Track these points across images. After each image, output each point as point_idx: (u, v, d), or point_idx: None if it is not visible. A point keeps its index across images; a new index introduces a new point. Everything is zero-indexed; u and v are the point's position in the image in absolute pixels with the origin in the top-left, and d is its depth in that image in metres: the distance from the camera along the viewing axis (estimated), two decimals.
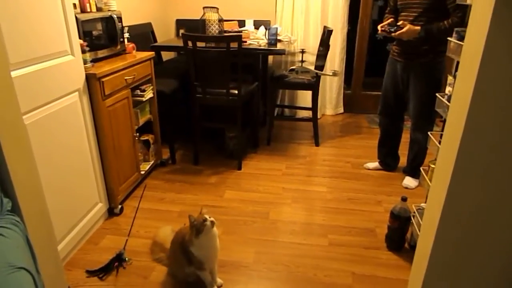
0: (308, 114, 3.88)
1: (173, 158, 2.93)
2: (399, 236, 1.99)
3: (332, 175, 2.76)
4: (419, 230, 1.68)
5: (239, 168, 2.83)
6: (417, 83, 2.38)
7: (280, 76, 3.23)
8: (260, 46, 2.98)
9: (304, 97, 3.89)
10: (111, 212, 2.25)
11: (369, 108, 4.06)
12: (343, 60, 3.85)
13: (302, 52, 2.64)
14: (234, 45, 2.49)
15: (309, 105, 3.40)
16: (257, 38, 3.20)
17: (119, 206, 2.27)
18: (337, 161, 2.99)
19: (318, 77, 3.09)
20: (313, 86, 3.11)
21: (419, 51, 2.31)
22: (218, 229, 2.06)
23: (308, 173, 2.80)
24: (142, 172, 2.55)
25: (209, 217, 1.60)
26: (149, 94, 2.51)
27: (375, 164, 2.86)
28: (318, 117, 3.75)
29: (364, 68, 4.01)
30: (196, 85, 2.70)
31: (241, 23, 3.61)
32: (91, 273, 1.81)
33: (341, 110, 4.09)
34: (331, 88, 3.96)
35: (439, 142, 1.67)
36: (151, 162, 2.69)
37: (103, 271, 1.82)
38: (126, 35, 2.43)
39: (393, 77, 2.51)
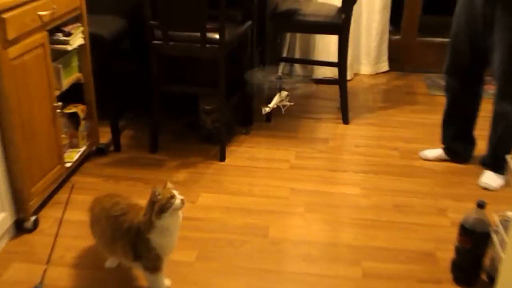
0: (332, 73, 3.87)
1: (117, 143, 2.94)
2: (472, 262, 2.02)
3: (369, 169, 2.79)
4: (504, 253, 1.71)
5: (222, 159, 2.85)
6: (506, 24, 2.39)
7: (287, 12, 3.22)
8: None
9: (326, 46, 3.88)
10: (20, 227, 2.26)
11: (429, 64, 4.06)
12: None
13: (280, 78, 2.93)
14: None
15: (334, 58, 3.39)
16: None
17: (32, 218, 2.28)
18: (378, 148, 3.02)
19: (347, 15, 3.08)
20: (340, 27, 3.10)
21: None
22: (191, 252, 2.12)
23: (332, 166, 2.83)
24: (68, 165, 2.56)
25: (178, 194, 1.83)
26: (78, 40, 2.50)
27: (438, 152, 2.89)
28: (348, 78, 3.72)
29: (421, 1, 4.00)
30: (153, 26, 2.69)
31: None
32: None
33: (385, 67, 4.10)
34: (369, 32, 3.95)
35: None
36: (82, 149, 2.70)
37: None
38: None
39: (469, 16, 2.52)
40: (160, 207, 1.79)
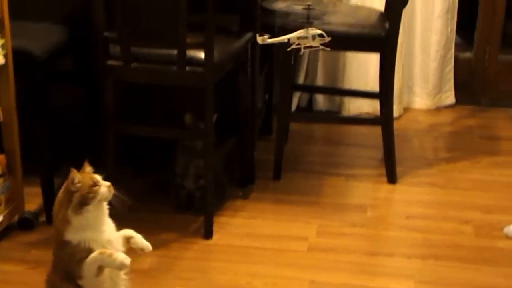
0: (371, 108, 3.89)
1: (50, 211, 2.81)
2: None
3: (427, 253, 2.77)
4: None
5: (208, 235, 2.84)
6: None
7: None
8: None
9: (363, 69, 3.94)
10: None
11: None
12: None
13: (309, 8, 2.80)
14: None
15: (375, 87, 3.41)
16: None
17: None
18: (441, 220, 3.00)
19: (394, 24, 3.10)
20: (384, 41, 3.13)
21: None
22: None
23: (372, 247, 2.82)
24: None
25: (101, 179, 1.99)
26: None
27: None
28: (396, 115, 3.76)
29: (504, 4, 4.04)
30: (109, 40, 2.72)
31: None
32: None
33: (451, 98, 4.15)
34: (426, 47, 4.01)
35: None
36: None
37: None
38: None
39: None
40: (81, 198, 1.91)
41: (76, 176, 1.91)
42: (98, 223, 1.99)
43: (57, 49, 2.85)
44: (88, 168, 1.99)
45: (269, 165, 3.34)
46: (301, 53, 2.88)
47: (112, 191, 1.97)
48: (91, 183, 1.93)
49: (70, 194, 1.92)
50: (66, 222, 1.93)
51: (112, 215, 2.85)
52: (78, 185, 1.91)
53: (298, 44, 2.77)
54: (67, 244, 1.95)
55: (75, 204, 1.91)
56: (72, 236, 1.94)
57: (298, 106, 4.08)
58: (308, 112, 4.11)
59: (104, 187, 1.95)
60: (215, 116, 2.81)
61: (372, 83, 3.77)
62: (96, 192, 1.92)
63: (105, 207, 2.01)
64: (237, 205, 3.08)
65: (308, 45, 2.78)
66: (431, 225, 2.96)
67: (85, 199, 1.91)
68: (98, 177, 1.97)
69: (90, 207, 1.92)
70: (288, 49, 2.78)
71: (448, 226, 2.95)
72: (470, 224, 2.96)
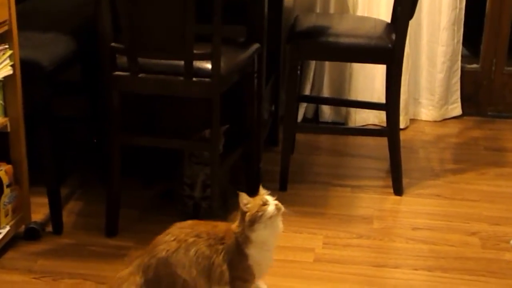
0: (378, 119, 3.88)
1: (57, 221, 2.93)
2: None
3: (434, 265, 2.76)
4: None
5: None
6: None
7: (310, 32, 3.25)
8: None
9: (369, 80, 3.94)
10: None
11: None
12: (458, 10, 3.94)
13: None
14: None
15: (381, 98, 3.41)
16: None
17: None
18: (447, 232, 3.00)
19: (400, 35, 3.10)
20: (390, 52, 3.13)
21: None
22: None
23: (378, 258, 2.81)
24: None
25: (272, 199, 2.20)
26: (3, 70, 2.54)
27: None
28: (402, 126, 3.77)
29: (510, 16, 4.05)
30: (115, 50, 2.73)
31: None
32: None
33: (457, 110, 4.15)
34: (433, 59, 4.01)
35: None
36: (5, 230, 2.69)
37: None
38: None
39: None
40: (251, 217, 2.15)
41: (244, 198, 2.17)
42: (271, 242, 2.23)
43: (64, 60, 2.86)
44: (262, 191, 2.22)
45: (275, 176, 3.35)
46: None
47: (282, 208, 2.18)
48: (261, 203, 2.15)
49: (243, 214, 2.17)
50: (246, 238, 2.17)
51: (120, 226, 2.92)
52: (249, 205, 2.16)
53: None
54: (246, 258, 2.20)
55: (247, 222, 2.15)
56: (252, 252, 2.20)
57: (304, 117, 4.09)
58: (314, 123, 4.12)
59: (272, 205, 2.16)
60: (226, 127, 2.89)
61: (379, 94, 3.79)
62: (263, 210, 2.13)
63: (279, 225, 2.23)
64: None
65: None
66: (437, 237, 2.95)
67: (254, 218, 2.13)
68: (269, 198, 2.19)
69: (261, 225, 2.14)
70: None
71: (455, 238, 2.95)
72: (477, 236, 2.96)
